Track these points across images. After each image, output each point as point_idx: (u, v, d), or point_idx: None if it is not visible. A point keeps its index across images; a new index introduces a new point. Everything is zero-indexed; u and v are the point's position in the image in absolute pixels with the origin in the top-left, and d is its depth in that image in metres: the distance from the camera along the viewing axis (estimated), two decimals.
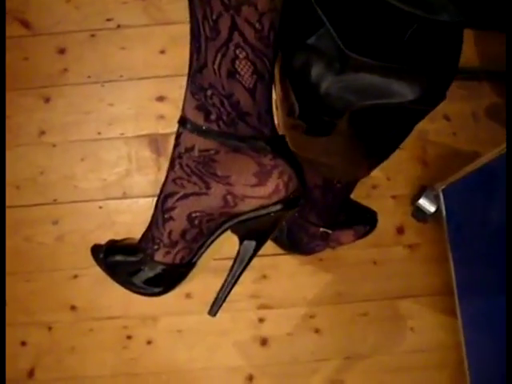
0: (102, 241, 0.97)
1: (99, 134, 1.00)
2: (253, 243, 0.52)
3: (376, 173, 1.01)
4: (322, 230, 0.78)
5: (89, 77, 1.02)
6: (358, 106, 0.43)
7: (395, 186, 1.00)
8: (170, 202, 0.48)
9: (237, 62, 0.38)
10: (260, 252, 0.93)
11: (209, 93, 0.41)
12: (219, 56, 0.38)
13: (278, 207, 0.47)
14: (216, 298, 0.55)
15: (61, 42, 1.03)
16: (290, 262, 0.96)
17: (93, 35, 1.04)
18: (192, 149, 0.45)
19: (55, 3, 1.05)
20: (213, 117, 0.42)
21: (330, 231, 0.78)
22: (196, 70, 0.41)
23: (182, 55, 1.04)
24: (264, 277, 0.95)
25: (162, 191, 0.48)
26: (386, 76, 0.40)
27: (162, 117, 1.01)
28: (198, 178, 0.46)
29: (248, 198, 0.46)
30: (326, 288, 0.95)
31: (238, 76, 0.39)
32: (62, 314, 0.93)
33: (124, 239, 0.58)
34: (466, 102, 1.03)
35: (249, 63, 0.38)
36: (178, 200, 0.47)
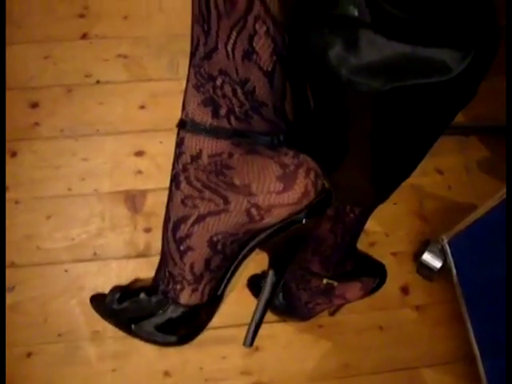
0: (66, 307, 0.83)
1: (69, 190, 0.91)
2: (284, 254, 0.45)
3: (374, 228, 0.94)
4: (325, 281, 0.68)
5: (62, 131, 0.95)
6: (387, 89, 0.37)
7: (394, 242, 0.92)
8: (183, 230, 0.40)
9: (255, 39, 0.32)
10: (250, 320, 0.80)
11: (219, 82, 0.35)
12: (234, 34, 0.32)
13: (307, 213, 0.40)
14: (250, 324, 0.49)
15: (34, 97, 0.98)
16: (285, 331, 0.83)
17: (69, 90, 0.99)
18: (199, 156, 0.37)
19: (31, 59, 1.01)
20: (223, 111, 0.36)
21: (335, 283, 0.68)
22: (203, 58, 0.35)
23: (162, 111, 1.00)
24: (256, 349, 0.82)
25: (168, 218, 0.41)
26: (425, 42, 0.34)
27: (139, 172, 0.94)
28: (212, 192, 0.38)
29: (275, 208, 0.39)
30: (328, 360, 0.82)
31: (255, 56, 0.33)
32: None
33: (132, 282, 0.49)
34: (456, 156, 1.01)
35: (269, 40, 0.33)
36: (192, 225, 0.39)
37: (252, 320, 0.49)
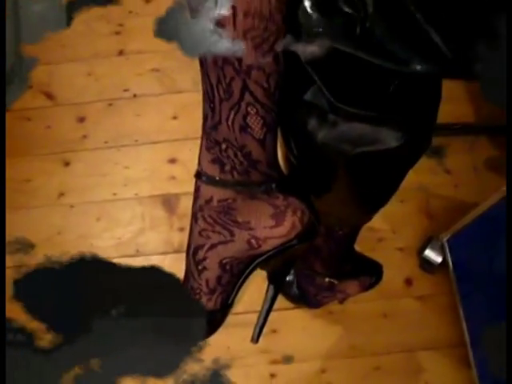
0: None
1: (114, 194, 1.05)
2: (280, 271, 0.58)
3: (381, 226, 1.04)
4: (327, 280, 0.80)
5: (106, 142, 1.09)
6: (353, 153, 0.47)
7: (401, 238, 1.02)
8: (200, 254, 0.52)
9: (248, 118, 0.43)
10: None
11: (223, 146, 0.45)
12: (232, 113, 0.43)
13: (297, 241, 0.52)
14: (255, 326, 0.62)
15: (81, 111, 1.12)
16: (299, 316, 0.96)
17: (110, 104, 1.12)
18: (211, 200, 0.49)
19: (77, 76, 1.14)
20: (227, 168, 0.46)
21: (335, 281, 0.79)
22: (211, 128, 0.45)
23: (192, 120, 1.12)
24: (274, 331, 0.95)
25: (190, 244, 0.53)
26: (374, 125, 0.44)
27: (173, 177, 1.07)
28: (221, 227, 0.50)
29: (270, 239, 0.51)
30: (337, 342, 0.94)
31: (249, 130, 0.44)
32: None
33: None
34: (465, 156, 1.07)
35: (259, 118, 0.43)
36: (207, 251, 0.52)
37: (257, 323, 0.61)
